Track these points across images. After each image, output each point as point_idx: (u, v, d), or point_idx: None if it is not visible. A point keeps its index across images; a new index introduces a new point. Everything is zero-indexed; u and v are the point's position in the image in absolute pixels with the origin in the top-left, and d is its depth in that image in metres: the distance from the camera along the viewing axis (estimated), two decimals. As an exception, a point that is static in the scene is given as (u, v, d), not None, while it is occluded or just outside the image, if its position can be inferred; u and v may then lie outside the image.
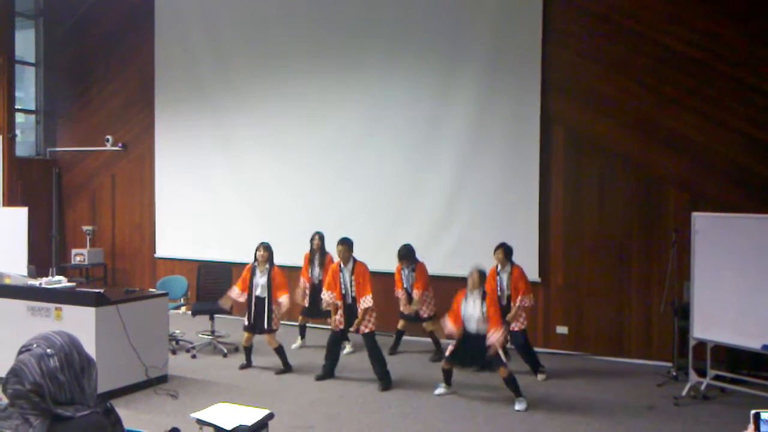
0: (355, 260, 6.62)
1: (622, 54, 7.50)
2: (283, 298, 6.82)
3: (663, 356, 7.21)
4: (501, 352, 5.84)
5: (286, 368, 6.96)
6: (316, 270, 7.72)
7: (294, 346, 7.95)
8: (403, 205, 8.51)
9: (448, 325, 6.06)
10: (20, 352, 1.80)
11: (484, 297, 5.95)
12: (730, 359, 6.60)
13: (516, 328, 6.70)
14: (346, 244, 6.60)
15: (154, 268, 10.41)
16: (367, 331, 6.53)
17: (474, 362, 6.01)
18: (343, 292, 6.60)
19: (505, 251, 6.74)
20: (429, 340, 7.62)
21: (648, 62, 7.39)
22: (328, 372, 6.72)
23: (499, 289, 6.73)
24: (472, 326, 5.92)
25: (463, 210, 8.21)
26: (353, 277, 6.55)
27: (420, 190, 8.45)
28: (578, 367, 7.30)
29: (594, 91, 7.64)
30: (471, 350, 5.94)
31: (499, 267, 6.77)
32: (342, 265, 6.62)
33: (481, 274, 6.05)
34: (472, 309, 5.94)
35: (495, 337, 5.78)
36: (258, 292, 6.87)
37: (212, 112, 9.82)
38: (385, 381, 6.46)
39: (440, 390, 6.22)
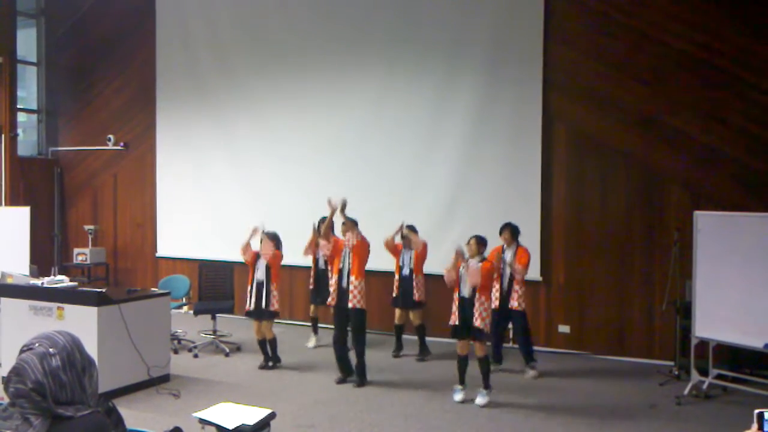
0: (359, 237, 6.44)
1: (624, 52, 7.49)
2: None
3: (665, 355, 7.20)
4: (483, 325, 5.68)
5: (274, 362, 7.01)
6: (321, 253, 7.58)
7: (309, 345, 7.94)
8: (404, 203, 8.48)
9: (450, 274, 5.87)
10: (22, 351, 1.80)
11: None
12: (732, 358, 6.58)
13: (515, 307, 6.66)
14: (350, 221, 6.52)
15: (156, 267, 10.42)
16: (359, 306, 6.32)
17: (469, 331, 5.77)
18: (341, 266, 6.46)
19: (512, 231, 6.73)
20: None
21: (649, 60, 7.38)
22: (348, 374, 6.56)
23: (501, 269, 6.71)
24: (466, 291, 5.78)
25: (464, 208, 8.20)
26: (351, 252, 6.41)
27: (421, 187, 8.44)
28: (580, 366, 7.29)
29: (595, 89, 7.63)
30: (465, 317, 5.79)
31: (505, 246, 6.75)
32: (346, 242, 6.52)
33: (479, 240, 5.88)
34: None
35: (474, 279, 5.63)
36: (258, 275, 6.95)
37: (213, 110, 9.82)
38: (360, 377, 6.42)
39: (458, 396, 5.98)
